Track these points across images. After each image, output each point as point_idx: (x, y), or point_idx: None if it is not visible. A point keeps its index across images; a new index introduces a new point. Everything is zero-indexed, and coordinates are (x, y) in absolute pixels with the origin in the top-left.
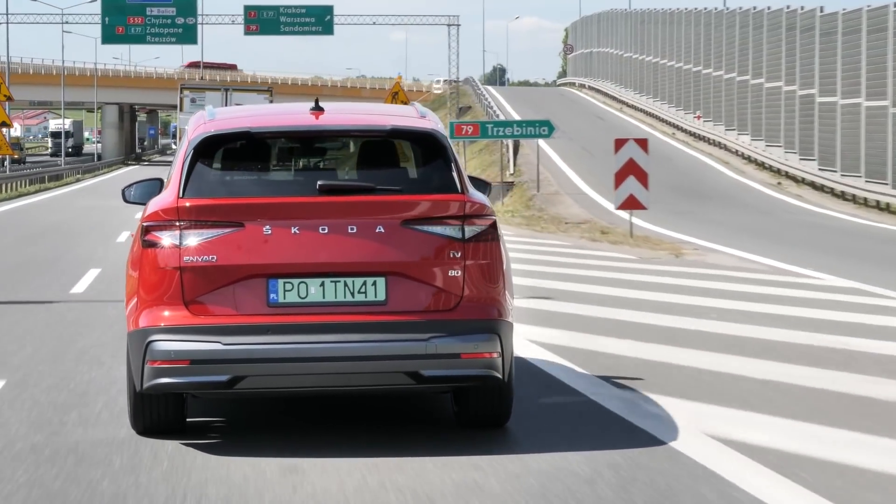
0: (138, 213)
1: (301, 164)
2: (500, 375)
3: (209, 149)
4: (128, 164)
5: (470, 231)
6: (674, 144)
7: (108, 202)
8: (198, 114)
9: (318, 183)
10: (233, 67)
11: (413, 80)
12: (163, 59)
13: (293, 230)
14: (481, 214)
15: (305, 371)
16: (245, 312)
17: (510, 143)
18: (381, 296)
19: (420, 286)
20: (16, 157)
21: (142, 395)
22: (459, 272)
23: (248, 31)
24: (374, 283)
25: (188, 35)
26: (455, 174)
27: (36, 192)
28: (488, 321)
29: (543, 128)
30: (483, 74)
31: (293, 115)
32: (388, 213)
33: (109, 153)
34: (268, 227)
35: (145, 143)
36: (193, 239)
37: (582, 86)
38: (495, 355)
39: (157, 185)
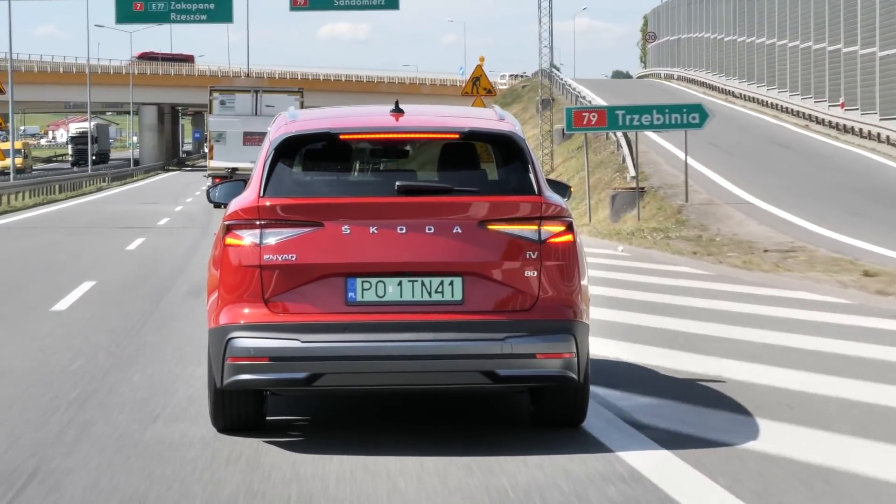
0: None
1: (380, 164)
2: (575, 376)
3: (290, 149)
4: (168, 170)
5: (546, 232)
6: (820, 139)
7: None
8: (280, 115)
9: (397, 184)
10: (189, 59)
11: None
12: (208, 56)
13: (371, 230)
14: (558, 216)
15: (383, 369)
16: (323, 310)
17: (622, 138)
18: (458, 295)
19: (496, 286)
20: (19, 165)
21: (222, 392)
22: (535, 273)
23: (294, 6)
24: (451, 283)
25: (222, 11)
26: (532, 176)
27: (35, 205)
28: (564, 321)
29: (693, 114)
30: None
31: (373, 116)
32: (466, 213)
33: (148, 158)
34: (346, 226)
35: (190, 146)
36: (273, 237)
37: (670, 76)
38: (571, 356)
39: (241, 186)
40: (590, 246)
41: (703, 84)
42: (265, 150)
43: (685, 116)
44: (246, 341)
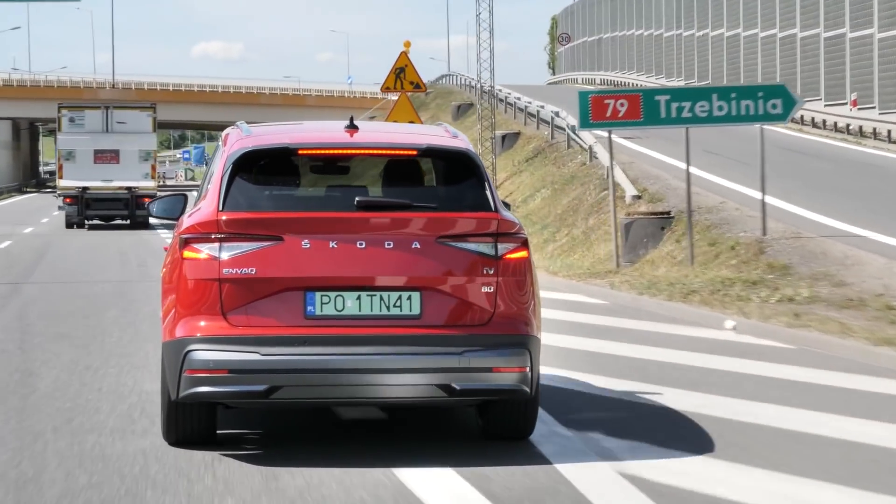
0: None
1: (337, 180)
2: (528, 389)
3: (248, 163)
4: (25, 192)
5: (502, 248)
6: (838, 144)
7: None
8: (232, 130)
9: (356, 199)
10: None
11: (355, 89)
12: (71, 67)
13: (331, 244)
14: (512, 232)
15: (341, 382)
16: (283, 324)
17: (598, 145)
18: (416, 310)
19: (453, 301)
20: None
21: (176, 405)
22: (492, 288)
23: None
24: (409, 298)
25: None
26: (488, 193)
27: None
28: (519, 336)
29: (774, 100)
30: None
31: (329, 132)
32: (424, 229)
33: (1, 179)
34: (306, 241)
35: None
36: (233, 251)
37: (591, 81)
38: (525, 370)
39: (182, 200)
40: (632, 317)
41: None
42: (221, 163)
43: (762, 104)
44: (204, 354)
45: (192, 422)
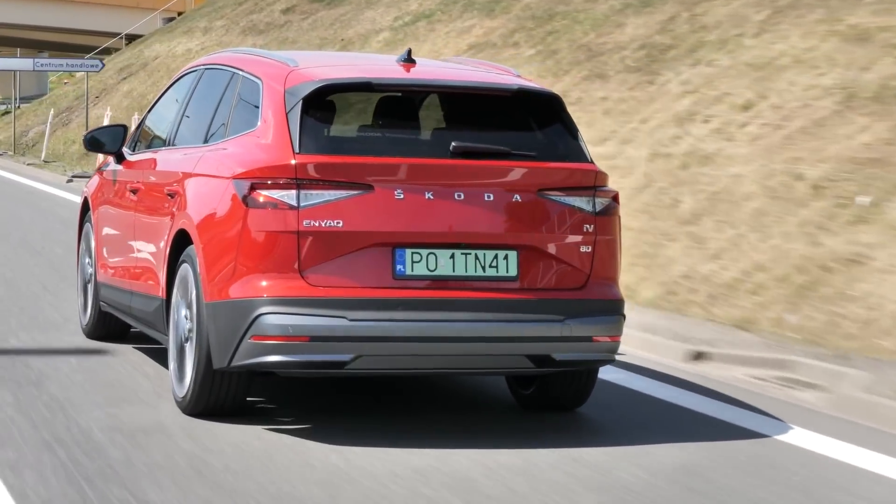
0: None
1: (424, 122)
2: (615, 357)
3: (319, 100)
4: None
5: (599, 204)
6: None
7: None
8: (257, 58)
9: (452, 144)
10: None
11: None
12: None
13: (427, 195)
14: (606, 186)
15: (428, 352)
16: (369, 285)
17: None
18: (514, 271)
19: (551, 262)
20: None
21: (216, 374)
22: (590, 248)
23: None
24: (507, 257)
25: None
26: (581, 141)
27: None
28: (616, 301)
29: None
30: None
31: (390, 66)
32: (525, 181)
33: None
34: (399, 190)
35: None
36: (314, 200)
37: None
38: (619, 338)
39: (122, 132)
40: None
41: None
42: (275, 96)
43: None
44: (280, 318)
45: (231, 391)
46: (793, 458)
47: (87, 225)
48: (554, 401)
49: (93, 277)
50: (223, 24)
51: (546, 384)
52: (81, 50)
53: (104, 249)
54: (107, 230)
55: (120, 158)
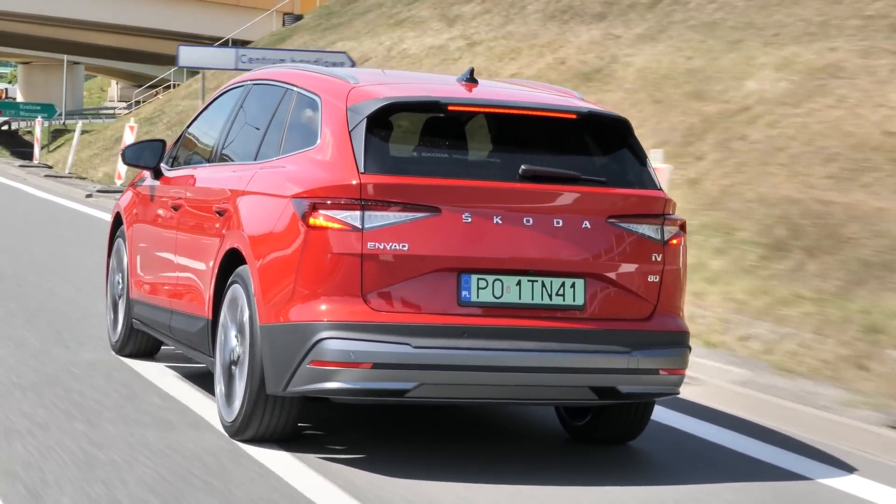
0: None
1: (491, 143)
2: (679, 392)
3: (384, 118)
4: None
5: (668, 232)
6: None
7: None
8: (314, 75)
9: (521, 167)
10: None
11: None
12: None
13: (495, 220)
14: (674, 215)
15: (492, 382)
16: (433, 311)
17: None
18: (580, 300)
19: (618, 291)
20: None
21: (268, 399)
22: (657, 277)
23: None
24: (574, 285)
25: None
26: (650, 167)
27: None
28: (681, 333)
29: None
30: None
31: (452, 85)
32: (594, 207)
33: None
34: (467, 214)
35: None
36: (380, 222)
37: None
38: (685, 371)
39: (160, 147)
40: None
41: None
42: (337, 114)
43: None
44: (343, 343)
45: (282, 417)
46: None
47: (118, 240)
48: (608, 433)
49: (124, 294)
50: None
51: (601, 415)
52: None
53: (139, 266)
54: (143, 246)
55: (158, 174)
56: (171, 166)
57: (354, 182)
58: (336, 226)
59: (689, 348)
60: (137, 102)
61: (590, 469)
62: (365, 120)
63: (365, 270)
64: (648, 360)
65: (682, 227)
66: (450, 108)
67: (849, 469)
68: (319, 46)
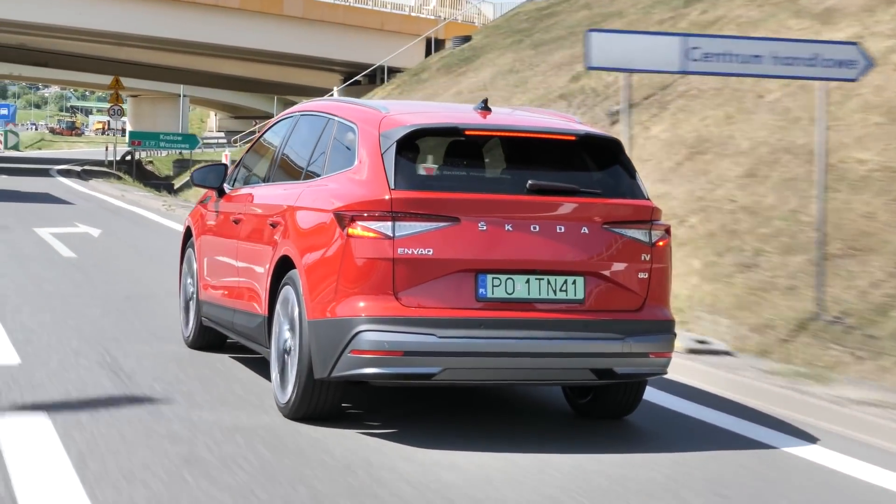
0: None
1: (503, 162)
2: (666, 372)
3: (411, 142)
4: None
5: (655, 235)
6: None
7: None
8: (351, 106)
9: (529, 182)
10: None
11: None
12: None
13: (506, 227)
14: (661, 220)
15: (505, 366)
16: (455, 306)
17: None
18: (581, 294)
19: (613, 286)
20: None
21: (316, 383)
22: (647, 274)
23: None
24: (574, 282)
25: None
26: (639, 180)
27: None
28: (668, 322)
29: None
30: None
31: (469, 113)
32: (592, 215)
33: None
34: (483, 223)
35: None
36: (408, 231)
37: None
38: (671, 354)
39: (223, 170)
40: None
41: None
42: (371, 140)
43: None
44: (378, 335)
45: (328, 398)
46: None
47: (189, 250)
48: (607, 409)
49: (195, 296)
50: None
51: (601, 395)
52: (299, 92)
53: (206, 272)
54: (209, 254)
55: (221, 193)
56: (233, 186)
57: (386, 197)
58: (371, 234)
59: (675, 335)
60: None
61: (591, 439)
62: (395, 144)
63: (396, 272)
64: (640, 345)
65: (668, 231)
66: (466, 132)
67: (812, 440)
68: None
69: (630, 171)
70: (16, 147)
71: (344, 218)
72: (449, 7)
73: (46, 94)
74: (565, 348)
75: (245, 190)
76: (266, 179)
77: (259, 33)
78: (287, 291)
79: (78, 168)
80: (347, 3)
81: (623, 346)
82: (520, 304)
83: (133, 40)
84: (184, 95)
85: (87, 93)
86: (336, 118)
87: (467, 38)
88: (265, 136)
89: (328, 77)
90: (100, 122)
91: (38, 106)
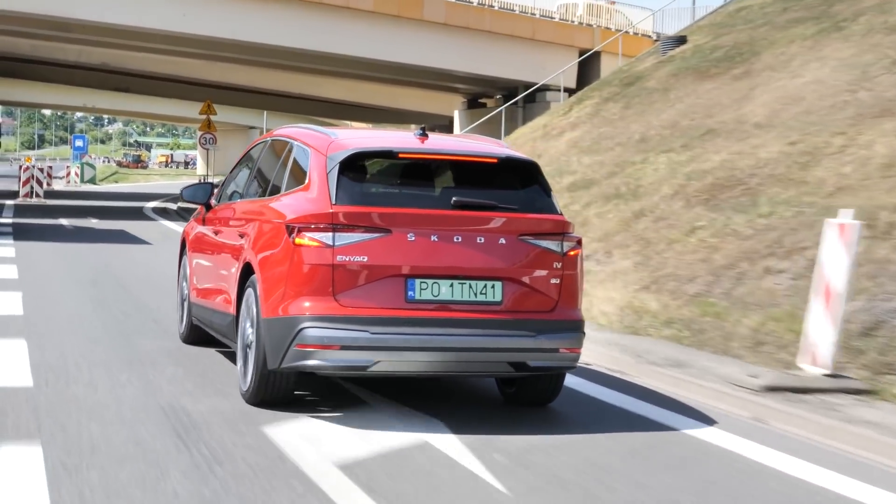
0: None
1: (427, 181)
2: (576, 366)
3: (353, 163)
4: None
5: (566, 246)
6: None
7: None
8: (308, 132)
9: (453, 199)
10: None
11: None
12: None
13: (432, 238)
14: (572, 233)
15: (432, 359)
16: (387, 306)
17: None
18: (499, 297)
19: (528, 290)
20: None
21: (271, 374)
22: (558, 280)
23: None
24: (493, 286)
25: None
26: (553, 198)
27: None
28: (578, 321)
29: None
30: None
31: (405, 138)
32: (509, 227)
33: None
34: (412, 234)
35: None
36: (346, 240)
37: None
38: (580, 350)
39: (210, 188)
40: None
41: None
42: (320, 161)
43: None
44: (318, 331)
45: (282, 386)
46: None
47: (184, 258)
48: (530, 398)
49: (188, 298)
50: None
51: (524, 385)
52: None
53: (195, 277)
54: (197, 262)
55: (208, 208)
56: (219, 202)
57: (328, 211)
58: (314, 243)
59: (583, 333)
60: None
61: (517, 422)
62: (338, 165)
63: (335, 277)
64: (550, 342)
65: (579, 242)
66: (400, 155)
67: (710, 422)
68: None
69: (546, 189)
70: (92, 181)
71: (293, 229)
72: (594, 16)
73: (110, 130)
74: (484, 344)
75: (225, 205)
76: (242, 195)
77: (392, 43)
78: (249, 293)
79: (173, 206)
80: (493, 8)
81: (535, 343)
82: (444, 306)
83: (234, 51)
84: (252, 127)
85: (147, 129)
86: (296, 142)
87: (681, 39)
88: (244, 157)
89: (444, 100)
90: (163, 155)
91: (102, 141)
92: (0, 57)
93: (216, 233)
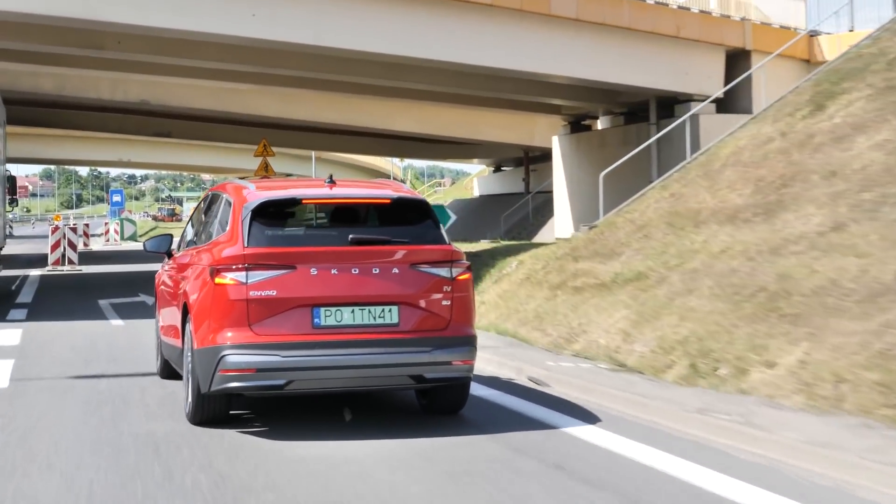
0: None
1: (330, 221)
2: (471, 375)
3: (264, 210)
4: None
5: (455, 272)
6: None
7: None
8: (233, 183)
9: (350, 236)
10: None
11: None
12: None
13: (333, 271)
14: (461, 260)
15: (339, 376)
16: (296, 333)
17: None
18: (395, 319)
19: (422, 312)
20: None
21: (205, 396)
22: (449, 302)
23: None
24: (390, 310)
25: None
26: (442, 231)
27: None
28: (468, 337)
29: None
30: None
31: (316, 186)
32: (401, 258)
33: None
34: (314, 269)
35: None
36: (257, 278)
37: None
38: (472, 362)
39: (169, 239)
40: None
41: None
42: (236, 211)
43: None
44: (237, 357)
45: (216, 407)
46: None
47: (157, 300)
48: (441, 406)
49: (159, 336)
50: None
51: (434, 396)
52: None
53: (160, 317)
54: (162, 305)
55: (170, 256)
56: (178, 250)
57: (241, 253)
58: (231, 282)
59: (475, 347)
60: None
61: (428, 427)
62: (250, 212)
63: (250, 309)
64: (444, 356)
65: (468, 268)
66: (304, 201)
67: (593, 420)
68: None
69: (435, 223)
70: (133, 237)
71: (214, 271)
72: (721, 7)
73: (143, 188)
74: (385, 361)
75: (180, 253)
76: (191, 244)
77: (512, 46)
78: (187, 328)
79: None
80: None
81: (430, 357)
82: (347, 329)
83: (306, 68)
84: (313, 173)
85: (177, 184)
86: (224, 195)
87: None
88: (196, 210)
89: (526, 126)
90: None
91: (136, 198)
92: (22, 101)
93: (170, 278)
